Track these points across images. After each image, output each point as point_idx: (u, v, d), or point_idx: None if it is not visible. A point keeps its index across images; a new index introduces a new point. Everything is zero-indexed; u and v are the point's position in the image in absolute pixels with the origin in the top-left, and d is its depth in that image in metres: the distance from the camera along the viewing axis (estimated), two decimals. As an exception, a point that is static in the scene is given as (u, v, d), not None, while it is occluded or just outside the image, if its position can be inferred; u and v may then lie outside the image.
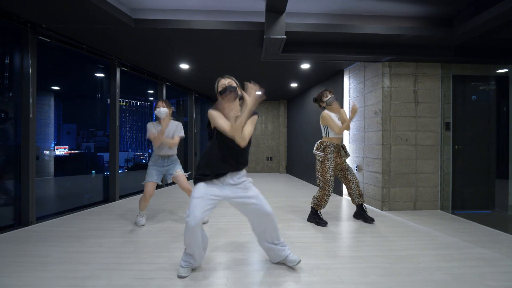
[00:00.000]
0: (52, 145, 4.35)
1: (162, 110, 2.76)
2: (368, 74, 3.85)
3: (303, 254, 2.13)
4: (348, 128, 2.90)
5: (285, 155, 8.00)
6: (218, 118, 1.71)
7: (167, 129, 2.79)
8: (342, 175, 3.03)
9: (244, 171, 1.87)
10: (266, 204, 1.82)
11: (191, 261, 1.79)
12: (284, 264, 1.93)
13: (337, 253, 2.17)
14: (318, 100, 3.08)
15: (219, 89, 1.80)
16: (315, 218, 2.95)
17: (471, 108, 3.66)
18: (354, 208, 3.55)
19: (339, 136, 2.96)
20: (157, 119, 2.88)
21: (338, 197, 4.41)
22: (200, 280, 1.73)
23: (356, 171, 4.11)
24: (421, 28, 3.04)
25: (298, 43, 3.31)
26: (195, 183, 1.78)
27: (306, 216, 3.12)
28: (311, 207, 3.01)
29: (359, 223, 3.00)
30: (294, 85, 5.91)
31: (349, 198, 4.28)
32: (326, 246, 2.31)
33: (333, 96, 2.99)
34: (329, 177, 2.86)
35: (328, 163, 2.87)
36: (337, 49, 3.36)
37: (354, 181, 2.99)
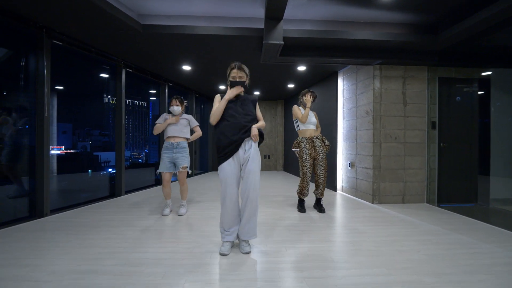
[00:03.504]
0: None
1: (175, 108, 3.13)
2: (360, 76, 4.10)
3: (301, 239, 2.37)
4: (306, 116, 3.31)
5: (282, 153, 8.25)
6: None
7: (178, 123, 3.16)
8: (315, 167, 3.31)
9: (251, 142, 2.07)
10: (256, 189, 2.05)
11: (230, 237, 2.09)
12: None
13: (329, 239, 2.41)
14: (301, 94, 3.43)
15: (230, 79, 2.09)
16: (298, 206, 3.38)
17: (455, 109, 3.93)
18: (347, 201, 3.91)
19: (309, 128, 3.29)
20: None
21: (333, 192, 4.65)
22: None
23: (349, 167, 4.36)
24: (408, 34, 3.30)
25: (295, 47, 3.54)
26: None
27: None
28: (298, 196, 3.40)
29: (351, 214, 3.25)
30: (291, 85, 6.15)
31: (343, 193, 4.54)
32: (321, 233, 2.55)
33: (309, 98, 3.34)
34: (306, 169, 3.23)
35: (304, 156, 3.24)
36: (331, 53, 3.60)
37: (321, 182, 3.29)
